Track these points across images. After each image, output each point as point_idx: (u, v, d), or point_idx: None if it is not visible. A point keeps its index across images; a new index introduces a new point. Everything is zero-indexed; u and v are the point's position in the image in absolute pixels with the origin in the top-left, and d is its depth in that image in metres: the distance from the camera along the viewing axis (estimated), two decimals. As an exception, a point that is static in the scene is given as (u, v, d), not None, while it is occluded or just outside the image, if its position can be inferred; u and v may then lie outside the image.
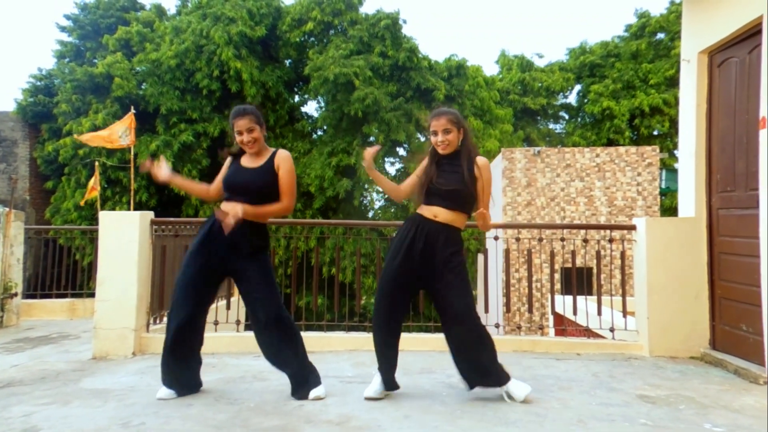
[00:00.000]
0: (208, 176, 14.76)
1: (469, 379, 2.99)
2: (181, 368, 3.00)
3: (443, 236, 2.94)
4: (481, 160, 3.04)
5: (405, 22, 17.07)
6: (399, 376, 3.45)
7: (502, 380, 2.95)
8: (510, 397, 2.93)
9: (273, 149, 3.10)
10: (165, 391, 2.98)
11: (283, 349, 2.99)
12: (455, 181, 2.95)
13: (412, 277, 2.95)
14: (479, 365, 2.93)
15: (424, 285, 3.02)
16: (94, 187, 10.42)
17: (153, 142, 15.14)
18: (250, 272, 2.95)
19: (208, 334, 4.21)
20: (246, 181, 2.96)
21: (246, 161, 3.07)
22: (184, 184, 3.26)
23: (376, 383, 3.04)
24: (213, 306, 5.11)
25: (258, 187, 2.97)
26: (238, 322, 4.53)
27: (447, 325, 2.95)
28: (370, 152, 2.94)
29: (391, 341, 3.04)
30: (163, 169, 3.04)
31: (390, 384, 3.07)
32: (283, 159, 3.04)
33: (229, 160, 3.14)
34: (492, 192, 3.13)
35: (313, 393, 2.95)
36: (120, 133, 9.33)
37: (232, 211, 2.79)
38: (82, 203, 10.68)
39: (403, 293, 2.99)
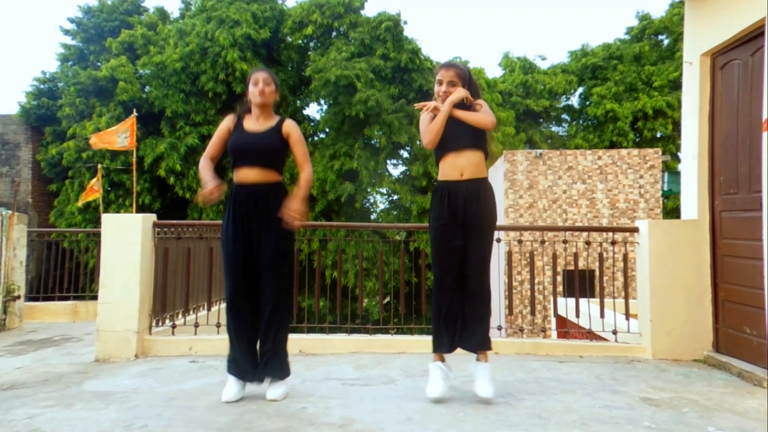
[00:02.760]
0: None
1: (471, 345, 3.00)
2: (242, 349, 2.93)
3: (473, 197, 2.92)
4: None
5: (406, 23, 17.12)
6: (401, 377, 3.46)
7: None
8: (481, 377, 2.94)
9: (279, 117, 3.07)
10: (229, 391, 2.91)
11: (269, 329, 2.93)
12: (465, 128, 2.92)
13: (458, 239, 2.94)
14: (482, 331, 2.98)
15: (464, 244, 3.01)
16: (94, 188, 10.35)
17: (159, 145, 15.18)
18: (270, 235, 2.90)
19: (208, 337, 4.25)
20: (254, 144, 2.90)
21: (250, 125, 3.00)
22: (204, 176, 3.10)
23: (437, 378, 2.95)
24: (215, 308, 5.14)
25: (268, 149, 2.94)
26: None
27: (463, 293, 2.96)
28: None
29: (454, 304, 2.98)
30: (212, 190, 2.87)
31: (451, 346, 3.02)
32: (293, 126, 3.04)
33: (229, 120, 3.04)
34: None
35: (269, 393, 2.93)
36: (120, 135, 9.36)
37: (296, 215, 2.86)
38: (79, 204, 10.68)
39: (457, 256, 2.97)
